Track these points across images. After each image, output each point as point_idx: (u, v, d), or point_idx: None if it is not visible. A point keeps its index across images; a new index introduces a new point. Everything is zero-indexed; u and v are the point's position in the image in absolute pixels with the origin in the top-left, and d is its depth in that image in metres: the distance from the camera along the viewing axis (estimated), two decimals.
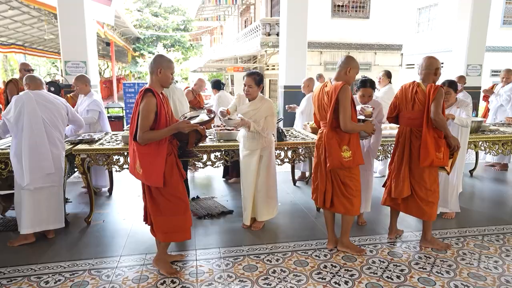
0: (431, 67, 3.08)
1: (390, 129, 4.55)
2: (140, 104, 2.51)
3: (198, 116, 3.05)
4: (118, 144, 3.79)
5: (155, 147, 2.56)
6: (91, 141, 3.87)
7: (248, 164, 3.57)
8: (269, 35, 12.09)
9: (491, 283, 2.70)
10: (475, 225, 3.76)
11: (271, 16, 14.34)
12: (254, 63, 14.57)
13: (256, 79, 3.45)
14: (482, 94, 7.62)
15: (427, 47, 16.18)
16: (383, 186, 3.48)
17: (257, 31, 12.73)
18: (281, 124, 5.38)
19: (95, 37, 8.74)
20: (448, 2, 14.70)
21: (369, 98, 3.55)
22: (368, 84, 3.51)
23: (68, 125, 3.71)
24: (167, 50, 21.55)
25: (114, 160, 3.72)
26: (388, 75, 5.49)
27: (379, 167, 5.66)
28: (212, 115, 3.04)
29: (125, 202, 4.49)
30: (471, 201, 4.60)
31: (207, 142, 3.94)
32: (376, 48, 12.97)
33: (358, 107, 3.37)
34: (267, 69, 14.53)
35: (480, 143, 4.50)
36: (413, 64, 17.49)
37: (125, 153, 3.69)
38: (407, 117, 3.20)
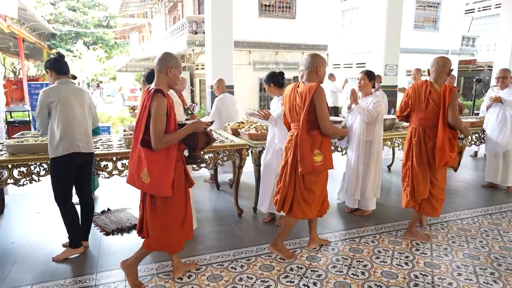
0: (446, 67, 3.12)
1: None
2: (149, 106, 2.29)
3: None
4: (2, 155, 3.21)
5: (164, 153, 2.36)
6: None
7: None
8: (195, 33, 11.70)
9: (402, 280, 2.72)
10: (390, 221, 3.85)
11: (198, 14, 13.95)
12: (183, 62, 14.06)
13: (144, 81, 3.29)
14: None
15: (350, 48, 17.05)
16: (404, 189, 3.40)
17: (183, 29, 12.27)
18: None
19: None
20: (367, 6, 15.60)
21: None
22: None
23: None
24: (87, 48, 19.87)
25: None
26: None
27: None
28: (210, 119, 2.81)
29: (18, 222, 3.87)
30: (388, 196, 4.76)
31: (114, 149, 3.54)
32: (303, 48, 13.26)
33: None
34: (197, 68, 14.12)
35: (394, 139, 4.66)
36: (339, 64, 18.33)
37: (9, 166, 3.13)
38: (420, 117, 3.22)
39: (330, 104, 8.49)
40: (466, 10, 19.00)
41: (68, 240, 3.10)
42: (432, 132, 3.14)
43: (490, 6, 19.64)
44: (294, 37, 13.10)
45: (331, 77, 8.96)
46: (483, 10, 20.24)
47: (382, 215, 4.01)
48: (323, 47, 13.76)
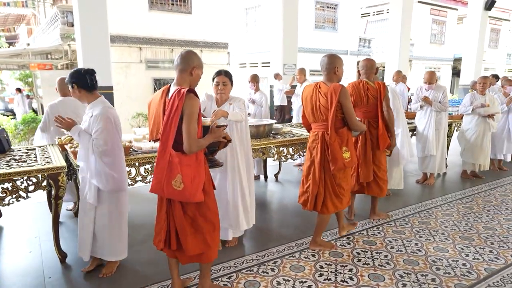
0: (373, 68, 3.63)
1: None
2: (182, 107, 2.12)
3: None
4: None
5: (195, 157, 2.23)
6: None
7: None
8: (72, 25, 10.06)
9: None
10: (262, 248, 3.20)
11: None
12: (60, 59, 12.16)
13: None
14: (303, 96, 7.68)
15: (255, 47, 16.69)
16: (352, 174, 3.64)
17: (57, 20, 10.53)
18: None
19: None
20: (268, 4, 15.36)
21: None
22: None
23: None
24: None
25: None
26: None
27: None
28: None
29: None
30: (269, 214, 4.14)
31: None
32: (201, 46, 12.40)
33: None
34: None
35: (269, 149, 4.03)
36: (245, 63, 17.90)
37: None
38: (363, 110, 3.63)
39: (277, 103, 7.98)
40: (362, 14, 20.08)
41: None
42: (375, 122, 3.59)
43: (383, 11, 21.06)
44: (191, 34, 12.17)
45: (277, 76, 8.77)
46: (377, 14, 21.64)
47: (251, 240, 3.34)
48: (224, 45, 13.10)
